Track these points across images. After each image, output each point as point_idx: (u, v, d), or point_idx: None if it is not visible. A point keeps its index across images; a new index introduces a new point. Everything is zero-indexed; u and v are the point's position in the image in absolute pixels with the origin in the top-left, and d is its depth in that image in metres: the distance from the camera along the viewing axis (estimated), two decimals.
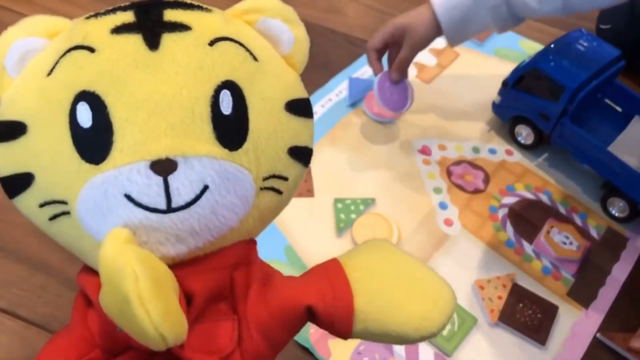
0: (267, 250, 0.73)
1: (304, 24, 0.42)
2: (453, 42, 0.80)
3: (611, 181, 0.81)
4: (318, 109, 0.90)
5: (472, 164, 0.87)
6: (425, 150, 0.87)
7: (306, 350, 0.67)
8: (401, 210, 0.80)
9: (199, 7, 0.38)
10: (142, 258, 0.32)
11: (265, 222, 0.41)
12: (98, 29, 0.36)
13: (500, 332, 0.71)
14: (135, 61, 0.34)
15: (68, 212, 0.36)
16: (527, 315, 0.71)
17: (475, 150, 0.89)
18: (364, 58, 0.97)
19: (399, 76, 0.82)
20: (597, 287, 0.76)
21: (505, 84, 0.86)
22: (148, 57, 0.35)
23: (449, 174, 0.85)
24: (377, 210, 0.80)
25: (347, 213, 0.78)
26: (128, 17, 0.36)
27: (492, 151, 0.89)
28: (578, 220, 0.82)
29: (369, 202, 0.80)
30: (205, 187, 0.35)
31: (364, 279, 0.41)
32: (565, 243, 0.78)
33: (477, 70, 0.99)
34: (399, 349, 0.68)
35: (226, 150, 0.35)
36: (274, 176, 0.38)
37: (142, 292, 0.30)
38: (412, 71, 0.96)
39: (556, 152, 0.88)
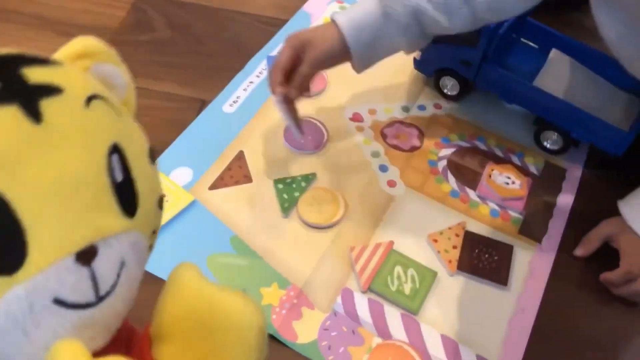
0: (213, 244, 0.71)
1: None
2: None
3: (542, 116, 0.82)
4: (241, 94, 0.87)
5: (405, 123, 0.86)
6: (356, 117, 0.86)
7: (270, 337, 0.64)
8: (343, 180, 0.78)
9: (52, 62, 0.34)
10: None
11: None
12: None
13: (462, 281, 0.70)
14: (26, 141, 0.29)
15: None
16: (484, 260, 0.71)
17: (405, 109, 0.88)
18: (279, 36, 0.95)
19: (298, 93, 0.73)
20: (546, 220, 0.77)
21: None
22: (36, 134, 0.30)
23: (384, 136, 0.84)
24: (319, 184, 0.78)
25: (289, 192, 0.76)
26: None
27: (422, 107, 0.88)
28: (516, 160, 0.83)
29: (310, 178, 0.78)
30: (122, 264, 0.32)
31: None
32: (507, 183, 0.78)
33: None
34: (366, 317, 0.66)
35: (130, 220, 0.33)
36: (152, 232, 0.37)
37: None
38: None
39: (483, 98, 0.89)
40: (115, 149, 0.33)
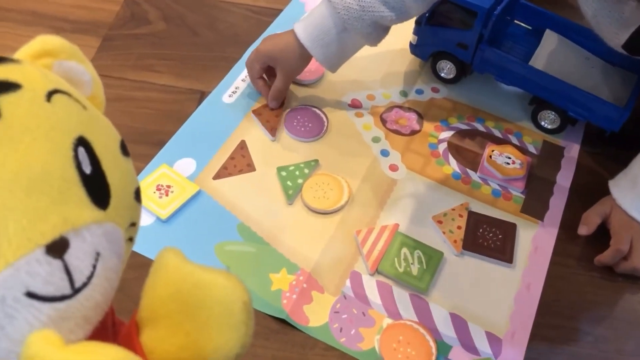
0: (220, 233, 0.72)
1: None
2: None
3: (538, 95, 0.83)
4: (239, 84, 0.87)
5: (403, 108, 0.87)
6: (355, 104, 0.87)
7: (282, 321, 0.65)
8: (346, 166, 0.79)
9: (9, 59, 0.34)
10: None
11: (120, 276, 0.38)
12: None
13: (468, 260, 0.71)
14: None
15: None
16: (489, 239, 0.72)
17: (403, 93, 0.88)
18: (273, 25, 0.96)
19: (277, 104, 0.83)
20: (547, 197, 0.78)
21: (418, 22, 0.86)
22: None
23: (384, 121, 0.85)
24: (322, 170, 0.78)
25: (293, 179, 0.76)
26: None
27: (419, 92, 0.89)
28: (515, 140, 0.84)
29: (312, 165, 0.78)
30: (97, 255, 0.32)
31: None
32: (508, 163, 0.79)
33: None
34: (375, 299, 0.67)
35: (102, 211, 0.33)
36: (130, 225, 0.37)
37: None
38: None
39: (480, 80, 0.90)
40: (82, 142, 0.33)
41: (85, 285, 0.32)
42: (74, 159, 0.32)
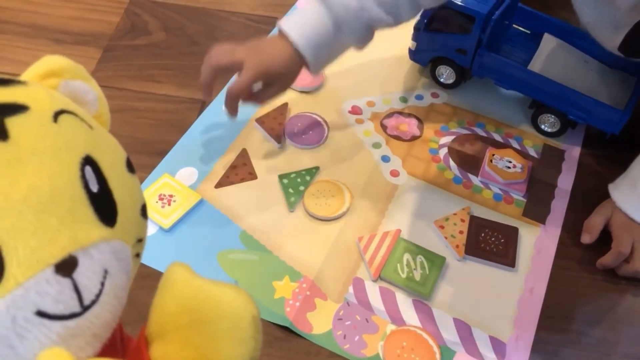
0: (223, 241, 0.72)
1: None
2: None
3: (538, 99, 0.83)
4: None
5: (403, 114, 0.87)
6: (355, 110, 0.87)
7: (286, 329, 0.65)
8: (347, 172, 0.79)
9: (15, 82, 0.35)
10: None
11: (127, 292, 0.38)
12: None
13: (470, 265, 0.71)
14: None
15: None
16: (491, 243, 0.72)
17: (403, 99, 0.89)
18: (273, 33, 0.96)
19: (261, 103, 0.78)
20: (549, 201, 0.78)
21: (417, 28, 0.87)
22: (4, 151, 0.31)
23: (384, 127, 0.85)
24: (323, 177, 0.79)
25: (294, 186, 0.76)
26: None
27: (419, 97, 0.89)
28: (515, 144, 0.84)
29: (313, 172, 0.78)
30: (105, 273, 0.33)
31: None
32: (509, 167, 0.79)
33: None
34: (379, 305, 0.67)
35: (110, 229, 0.33)
36: (137, 241, 0.37)
37: None
38: None
39: (480, 85, 0.90)
40: (88, 161, 0.33)
41: (94, 303, 0.32)
42: (81, 179, 0.33)
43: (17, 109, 0.32)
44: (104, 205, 0.34)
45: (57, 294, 0.30)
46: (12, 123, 0.31)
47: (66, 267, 0.31)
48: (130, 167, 0.38)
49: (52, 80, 0.37)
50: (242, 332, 0.36)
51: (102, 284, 0.32)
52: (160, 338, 0.38)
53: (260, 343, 0.36)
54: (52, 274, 0.30)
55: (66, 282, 0.31)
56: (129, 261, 0.35)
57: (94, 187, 0.33)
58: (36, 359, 0.30)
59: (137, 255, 0.38)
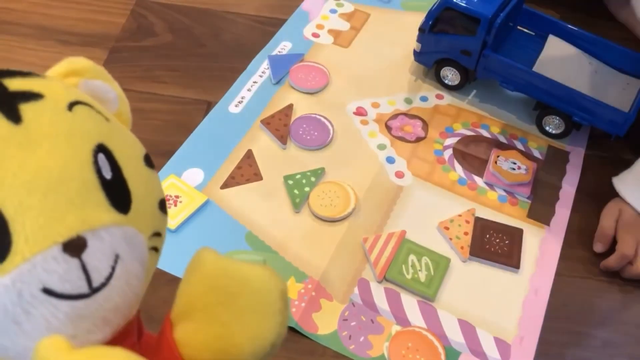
0: (228, 242, 0.72)
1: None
2: None
3: (543, 101, 0.83)
4: (245, 94, 0.88)
5: (408, 115, 0.87)
6: (360, 111, 0.87)
7: (291, 329, 0.65)
8: (352, 174, 0.80)
9: (34, 74, 0.35)
10: None
11: (146, 287, 0.38)
12: None
13: (475, 266, 0.71)
14: (4, 139, 0.31)
15: None
16: (496, 244, 0.73)
17: (408, 101, 0.89)
18: (279, 35, 0.97)
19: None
20: (553, 202, 0.78)
21: (422, 30, 0.87)
22: (16, 133, 0.31)
23: (389, 128, 0.85)
24: (328, 178, 0.79)
25: (300, 188, 0.77)
26: None
27: (424, 99, 0.90)
28: (520, 145, 0.84)
29: (319, 173, 0.79)
30: (117, 258, 0.33)
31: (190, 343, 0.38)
32: (514, 169, 0.80)
33: (391, 26, 1.00)
34: (384, 306, 0.68)
35: (122, 215, 0.33)
36: (154, 234, 0.37)
37: None
38: (329, 38, 0.96)
39: (484, 86, 0.90)
40: (102, 149, 0.34)
41: (103, 285, 0.32)
42: (94, 164, 0.33)
43: (31, 96, 0.33)
44: (117, 192, 0.34)
45: (64, 273, 0.30)
46: (26, 109, 0.32)
47: (74, 246, 0.31)
48: (148, 162, 0.38)
49: (71, 79, 0.38)
50: (270, 307, 0.35)
51: (113, 268, 0.32)
52: (186, 317, 0.38)
53: (287, 318, 0.36)
54: (59, 252, 0.30)
55: (74, 262, 0.31)
56: (143, 250, 0.35)
57: (107, 174, 0.33)
58: (34, 346, 0.30)
59: (155, 250, 0.38)
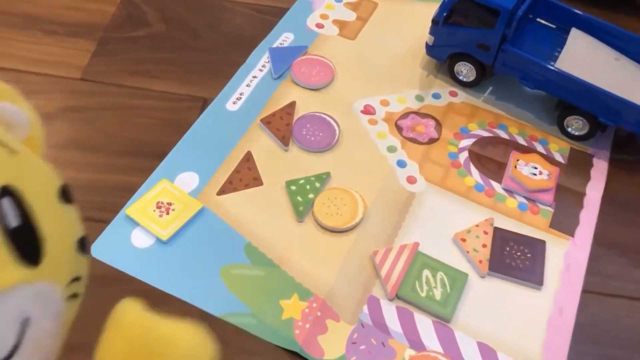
0: (226, 254, 0.66)
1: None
2: None
3: (565, 99, 0.77)
4: (244, 90, 0.81)
5: (420, 114, 0.81)
6: (368, 110, 0.81)
7: (295, 354, 0.60)
8: (360, 178, 0.73)
9: None
10: None
11: (65, 338, 0.34)
12: None
13: (495, 282, 0.66)
14: None
15: None
16: (517, 258, 0.67)
17: (419, 98, 0.83)
18: (280, 25, 0.90)
19: None
20: (577, 211, 0.72)
21: (435, 21, 0.81)
22: None
23: (399, 129, 0.79)
24: (334, 184, 0.73)
25: (303, 194, 0.71)
26: None
27: (436, 96, 0.83)
28: (540, 148, 0.78)
29: (324, 178, 0.73)
30: (26, 321, 0.29)
31: None
32: (534, 174, 0.74)
33: (400, 17, 0.93)
34: (396, 327, 0.62)
35: (33, 269, 0.29)
36: (73, 280, 0.33)
37: None
38: (334, 29, 0.90)
39: (500, 83, 0.84)
40: (7, 192, 0.29)
41: (10, 356, 0.28)
42: None
43: None
44: (26, 242, 0.29)
45: None
46: None
47: None
48: (65, 196, 0.33)
49: None
50: None
51: (21, 334, 0.28)
52: None
53: None
54: None
55: None
56: (58, 303, 0.31)
57: (14, 222, 0.29)
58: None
59: (75, 296, 0.33)
